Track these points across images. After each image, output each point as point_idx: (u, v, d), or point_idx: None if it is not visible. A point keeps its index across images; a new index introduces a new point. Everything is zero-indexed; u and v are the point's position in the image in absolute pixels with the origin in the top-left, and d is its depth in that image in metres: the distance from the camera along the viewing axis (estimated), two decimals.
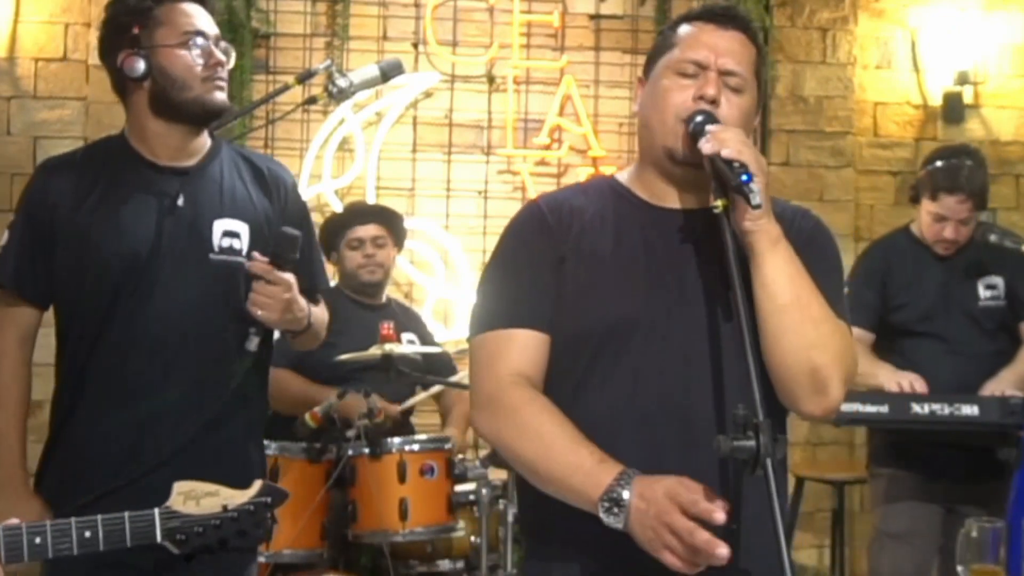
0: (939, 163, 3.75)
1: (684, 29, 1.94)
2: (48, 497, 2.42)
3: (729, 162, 1.74)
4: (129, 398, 2.40)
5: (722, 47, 1.89)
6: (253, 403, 2.59)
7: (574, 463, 1.73)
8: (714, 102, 1.85)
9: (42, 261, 2.46)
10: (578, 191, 2.02)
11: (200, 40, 2.45)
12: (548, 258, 1.89)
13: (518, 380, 1.84)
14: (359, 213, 4.34)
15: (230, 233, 2.49)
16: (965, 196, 3.67)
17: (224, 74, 2.49)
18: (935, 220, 3.72)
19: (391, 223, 4.32)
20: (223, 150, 2.58)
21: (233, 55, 2.54)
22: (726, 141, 1.76)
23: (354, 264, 4.21)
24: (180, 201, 2.46)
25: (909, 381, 3.58)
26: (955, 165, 3.71)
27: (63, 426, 2.45)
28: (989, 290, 3.77)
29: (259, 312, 2.42)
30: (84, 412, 2.42)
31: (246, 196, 2.54)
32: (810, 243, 1.91)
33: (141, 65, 2.44)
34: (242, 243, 2.49)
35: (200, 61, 2.45)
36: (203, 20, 2.48)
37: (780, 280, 1.77)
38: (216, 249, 2.47)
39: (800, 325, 1.77)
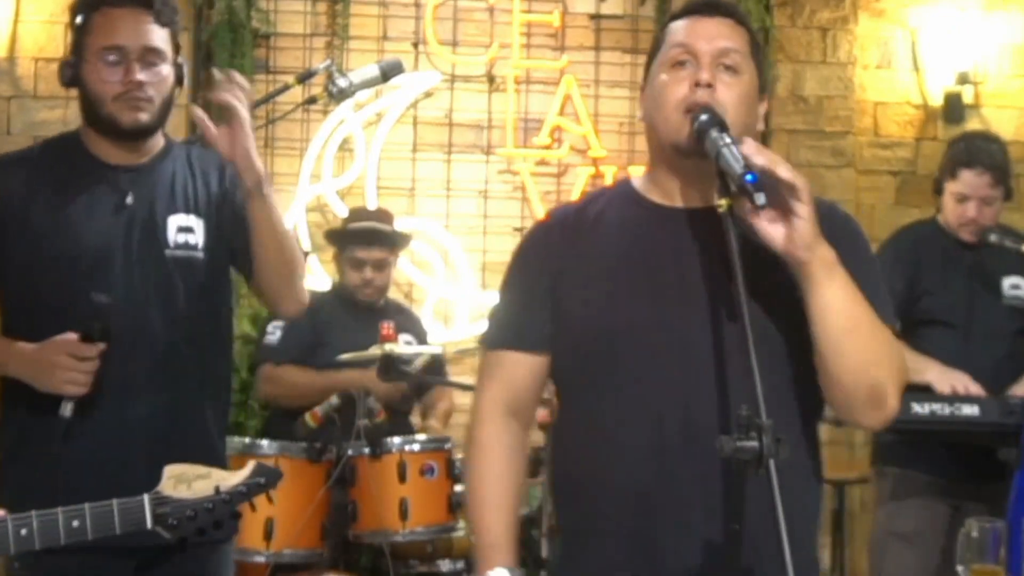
0: (958, 144, 3.78)
1: (671, 27, 1.95)
2: (11, 501, 2.36)
3: (733, 159, 1.74)
4: (97, 396, 2.38)
5: (709, 32, 1.89)
6: (219, 395, 2.59)
7: (482, 526, 1.96)
8: (709, 86, 1.85)
9: None
10: (593, 197, 2.06)
11: (114, 56, 2.38)
12: (543, 276, 1.94)
13: (495, 410, 1.99)
14: (366, 235, 4.25)
15: (184, 228, 2.48)
16: (983, 169, 3.66)
17: (143, 93, 2.39)
18: (958, 201, 3.70)
19: (397, 245, 4.31)
20: (174, 149, 2.56)
21: (162, 74, 2.41)
22: (778, 161, 1.72)
23: (352, 283, 4.19)
24: (129, 199, 2.45)
25: (964, 385, 3.52)
26: (973, 144, 3.76)
27: (24, 426, 2.42)
28: (1014, 289, 3.76)
29: (67, 388, 2.33)
30: (48, 412, 2.37)
31: (197, 190, 2.52)
32: (845, 241, 1.86)
33: (68, 72, 2.44)
34: (197, 237, 2.49)
35: (113, 78, 2.39)
36: (130, 32, 2.39)
37: (838, 307, 1.74)
38: (171, 245, 2.46)
39: (860, 346, 1.76)
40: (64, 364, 2.32)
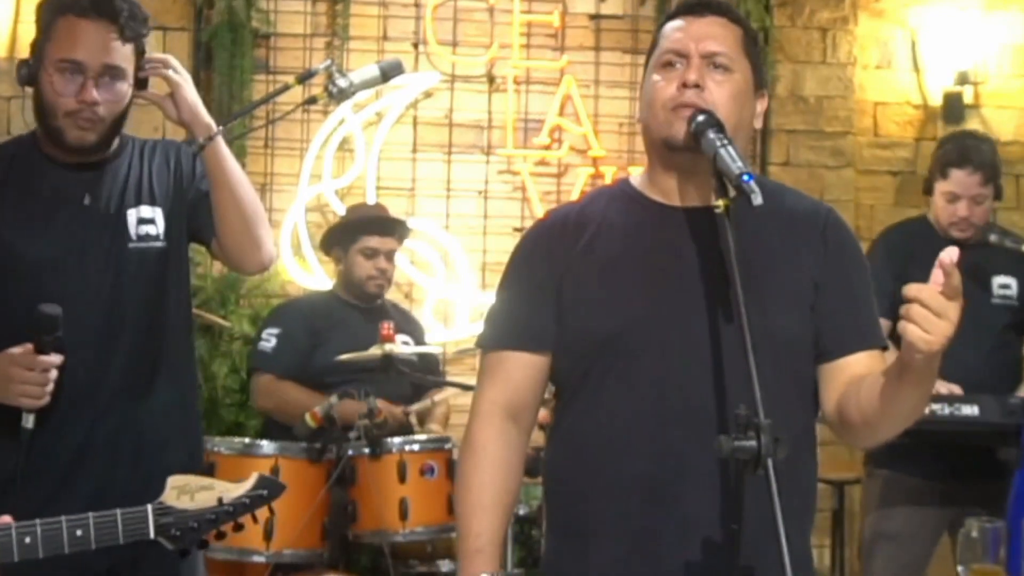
0: (948, 144, 3.82)
1: (665, 28, 1.97)
2: None
3: (730, 159, 1.75)
4: (73, 396, 2.38)
5: (699, 32, 1.91)
6: (187, 386, 2.59)
7: (471, 530, 1.93)
8: (697, 86, 1.87)
9: None
10: (592, 196, 2.08)
11: (72, 71, 2.34)
12: (547, 276, 1.94)
13: (494, 412, 1.96)
14: (380, 222, 4.29)
15: (145, 220, 2.48)
16: (973, 168, 3.69)
17: (93, 114, 2.36)
18: (948, 201, 3.72)
19: (404, 235, 4.35)
20: (128, 144, 2.55)
21: (120, 92, 2.38)
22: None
23: (363, 273, 4.18)
24: (86, 200, 2.44)
25: (948, 390, 3.52)
26: (962, 143, 3.81)
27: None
28: (1003, 289, 3.77)
29: (23, 401, 2.29)
30: (6, 423, 2.34)
31: (152, 180, 2.51)
32: (843, 251, 1.98)
33: (24, 72, 2.40)
34: (158, 228, 2.49)
35: (68, 92, 2.35)
36: (91, 48, 2.33)
37: (915, 405, 1.86)
38: (134, 237, 2.46)
39: (903, 422, 1.89)
40: (18, 377, 2.28)
